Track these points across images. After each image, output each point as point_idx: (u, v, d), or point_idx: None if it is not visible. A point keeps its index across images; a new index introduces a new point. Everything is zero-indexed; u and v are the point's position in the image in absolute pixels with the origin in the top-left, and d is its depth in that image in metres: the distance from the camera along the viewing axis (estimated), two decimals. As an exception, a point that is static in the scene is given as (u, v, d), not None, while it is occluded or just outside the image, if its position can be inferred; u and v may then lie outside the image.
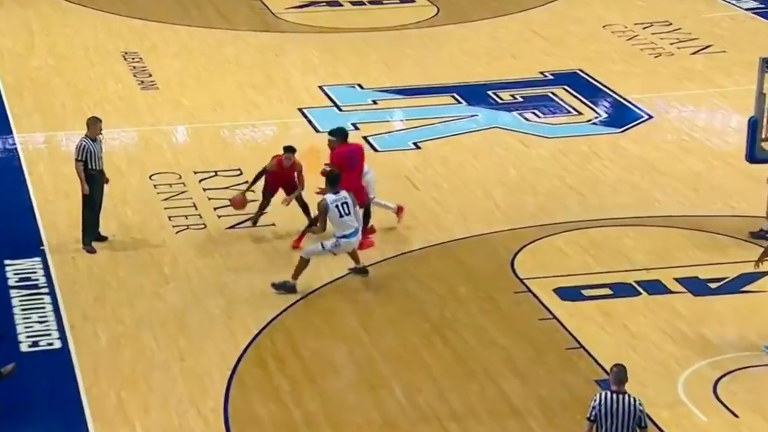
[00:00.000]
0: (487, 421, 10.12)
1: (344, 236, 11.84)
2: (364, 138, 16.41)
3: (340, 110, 17.45)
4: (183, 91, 18.06)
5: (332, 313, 11.92)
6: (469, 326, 11.59)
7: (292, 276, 11.96)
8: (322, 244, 11.94)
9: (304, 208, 13.19)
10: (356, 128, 16.72)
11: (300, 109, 17.40)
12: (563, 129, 16.58)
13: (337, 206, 11.79)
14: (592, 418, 8.42)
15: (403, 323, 11.60)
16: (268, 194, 13.42)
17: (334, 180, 11.93)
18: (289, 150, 13.32)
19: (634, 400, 8.40)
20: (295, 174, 13.21)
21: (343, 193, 11.86)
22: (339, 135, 13.00)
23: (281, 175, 13.30)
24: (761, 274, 11.14)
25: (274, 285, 11.92)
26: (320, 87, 18.21)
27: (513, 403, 10.35)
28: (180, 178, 15.14)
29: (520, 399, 10.40)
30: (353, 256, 12.23)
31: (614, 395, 8.41)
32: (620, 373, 8.47)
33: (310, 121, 17.05)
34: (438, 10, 21.39)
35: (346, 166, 12.54)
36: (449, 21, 20.81)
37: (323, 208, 11.81)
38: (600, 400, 8.40)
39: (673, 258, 12.65)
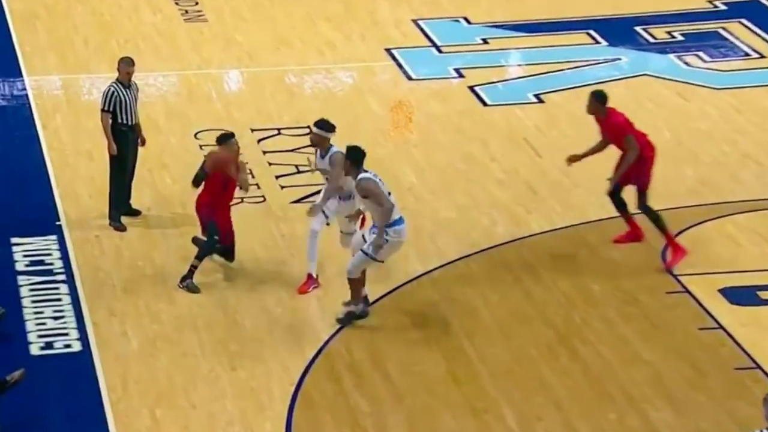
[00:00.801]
0: (626, 460, 10.11)
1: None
2: (470, 88, 16.41)
3: (440, 51, 17.48)
4: (237, 25, 18.25)
5: (425, 315, 11.97)
6: (605, 336, 11.55)
7: (352, 302, 11.71)
8: (364, 251, 11.51)
9: None
10: (461, 75, 16.73)
11: (388, 50, 17.45)
12: (739, 77, 16.38)
13: None
14: None
15: (517, 330, 11.60)
16: None
17: None
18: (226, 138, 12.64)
19: None
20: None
21: None
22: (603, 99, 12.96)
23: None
24: None
25: (339, 321, 11.77)
26: (414, 21, 18.23)
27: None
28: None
29: (672, 432, 10.35)
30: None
31: None
32: None
33: (400, 65, 17.10)
34: None
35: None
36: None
37: None
38: None
39: None
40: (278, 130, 14.84)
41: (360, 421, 10.59)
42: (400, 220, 11.52)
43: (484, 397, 10.81)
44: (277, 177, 14.21)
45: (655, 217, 12.54)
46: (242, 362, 11.31)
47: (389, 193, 11.49)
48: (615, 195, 12.73)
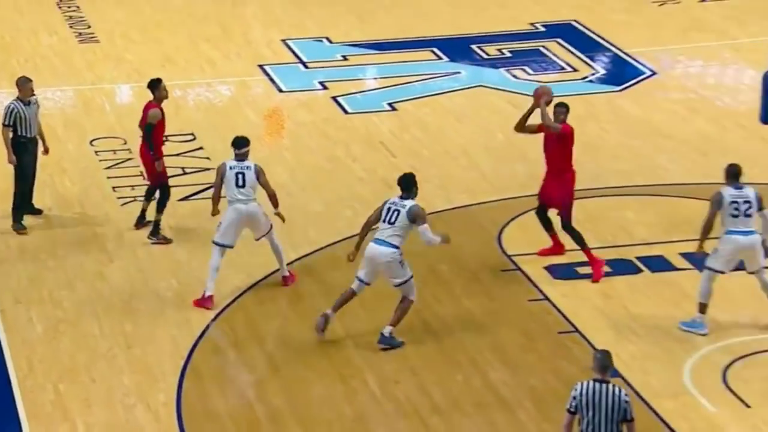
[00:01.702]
0: (472, 414, 10.16)
1: None
2: (333, 98, 16.35)
3: (306, 67, 17.37)
4: (127, 45, 17.89)
5: (299, 295, 11.89)
6: (452, 309, 11.61)
7: (389, 324, 10.93)
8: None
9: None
10: (325, 87, 16.65)
11: (261, 66, 17.30)
12: (556, 88, 16.39)
13: None
14: (572, 409, 8.42)
15: (378, 307, 11.58)
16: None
17: None
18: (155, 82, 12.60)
19: (619, 391, 8.38)
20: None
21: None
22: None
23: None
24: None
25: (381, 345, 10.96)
26: (283, 41, 18.10)
27: (501, 394, 10.38)
28: (125, 143, 15.03)
29: (509, 389, 10.43)
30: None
31: (597, 384, 8.37)
32: (603, 360, 8.41)
33: (272, 80, 16.96)
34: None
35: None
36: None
37: None
38: (581, 390, 8.39)
39: (679, 231, 12.70)
40: (166, 137, 14.56)
41: (242, 390, 10.48)
42: None
43: (350, 366, 10.78)
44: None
45: (576, 236, 11.97)
46: (137, 341, 11.10)
47: None
48: (542, 214, 12.22)
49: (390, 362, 10.78)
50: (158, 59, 17.31)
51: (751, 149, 14.33)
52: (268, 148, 15.07)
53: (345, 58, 17.64)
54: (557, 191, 12.03)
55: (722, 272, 10.99)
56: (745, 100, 15.46)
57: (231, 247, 11.67)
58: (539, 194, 12.22)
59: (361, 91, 16.79)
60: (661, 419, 9.87)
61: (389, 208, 10.93)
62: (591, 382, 8.39)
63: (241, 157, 11.66)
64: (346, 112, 16.02)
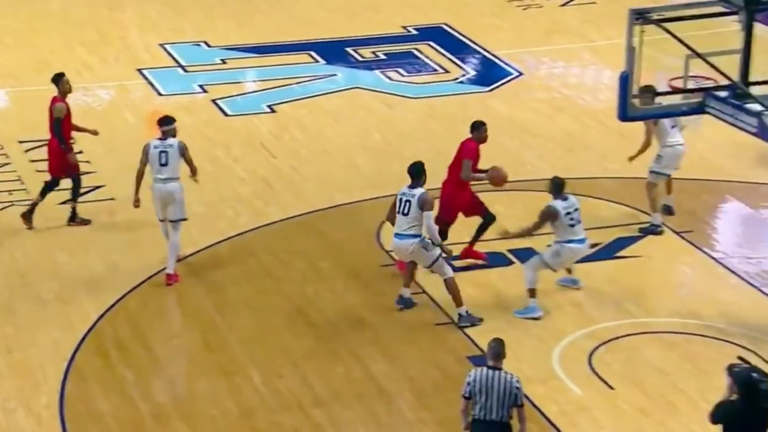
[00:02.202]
0: (354, 405, 10.14)
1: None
2: (213, 101, 16.16)
3: (185, 71, 17.13)
4: (0, 50, 17.36)
5: (182, 294, 11.72)
6: (333, 304, 11.57)
7: (458, 305, 11.05)
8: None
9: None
10: (204, 90, 16.44)
11: (139, 70, 16.98)
12: (429, 88, 16.69)
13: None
14: (466, 395, 8.53)
15: (260, 303, 11.49)
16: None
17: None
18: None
19: (511, 377, 8.53)
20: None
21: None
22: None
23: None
24: (635, 239, 11.49)
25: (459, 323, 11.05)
26: (161, 45, 17.81)
27: (382, 384, 10.39)
28: (2, 148, 14.60)
29: (389, 380, 10.45)
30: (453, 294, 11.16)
31: (489, 371, 8.53)
32: (496, 348, 8.60)
33: (151, 84, 16.67)
34: (291, -40, 21.33)
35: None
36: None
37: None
38: (475, 377, 8.52)
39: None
40: (43, 141, 14.19)
41: (126, 390, 10.27)
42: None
43: (233, 362, 10.66)
44: (45, 182, 13.59)
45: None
46: (18, 345, 10.77)
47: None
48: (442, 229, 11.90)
49: (273, 357, 10.69)
50: (33, 64, 16.85)
51: (611, 145, 14.64)
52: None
53: (224, 61, 17.44)
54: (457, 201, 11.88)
55: (554, 270, 11.23)
56: (604, 98, 15.78)
57: (162, 220, 11.74)
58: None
59: (240, 94, 16.62)
60: (533, 404, 10.01)
61: (401, 199, 11.09)
62: (485, 369, 8.54)
63: (165, 136, 11.53)
64: (225, 114, 15.84)
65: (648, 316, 11.09)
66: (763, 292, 11.30)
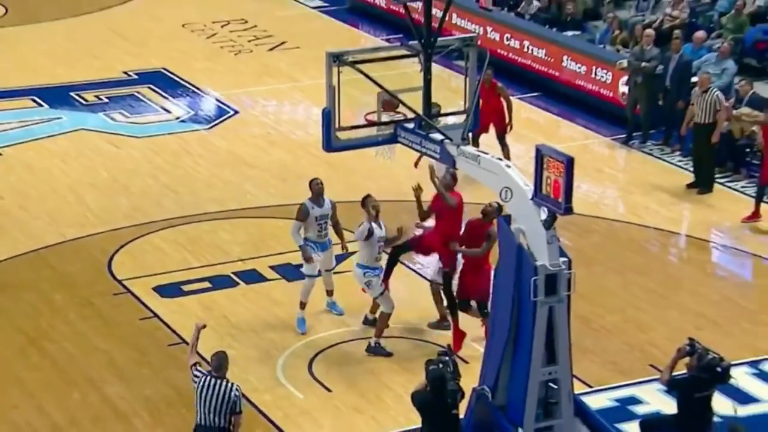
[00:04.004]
0: (90, 428, 9.77)
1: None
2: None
3: None
4: None
5: None
6: (67, 334, 11.12)
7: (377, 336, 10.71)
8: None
9: None
10: None
11: None
12: (153, 128, 16.42)
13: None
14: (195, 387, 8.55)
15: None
16: None
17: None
18: None
19: (231, 386, 8.56)
20: None
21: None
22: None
23: None
24: (348, 255, 11.73)
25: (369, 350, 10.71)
26: None
27: (118, 406, 10.07)
28: None
29: (125, 402, 10.14)
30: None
31: (213, 379, 8.57)
32: (218, 360, 8.69)
33: None
34: (6, 10, 20.45)
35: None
36: (20, 21, 20.09)
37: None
38: (201, 382, 8.54)
39: (267, 247, 12.97)
40: None
41: None
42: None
43: (-31, 397, 10.02)
44: None
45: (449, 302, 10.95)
46: None
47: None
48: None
49: (6, 390, 10.11)
50: None
51: (321, 173, 14.90)
52: None
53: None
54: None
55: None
56: (313, 132, 16.03)
57: None
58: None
59: (-35, 139, 15.71)
60: (261, 411, 10.02)
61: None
62: (209, 377, 8.53)
63: None
64: (-52, 159, 14.92)
65: (360, 324, 11.36)
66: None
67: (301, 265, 11.37)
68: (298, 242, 11.17)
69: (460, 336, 10.92)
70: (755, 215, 13.77)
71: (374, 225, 10.87)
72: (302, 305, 11.28)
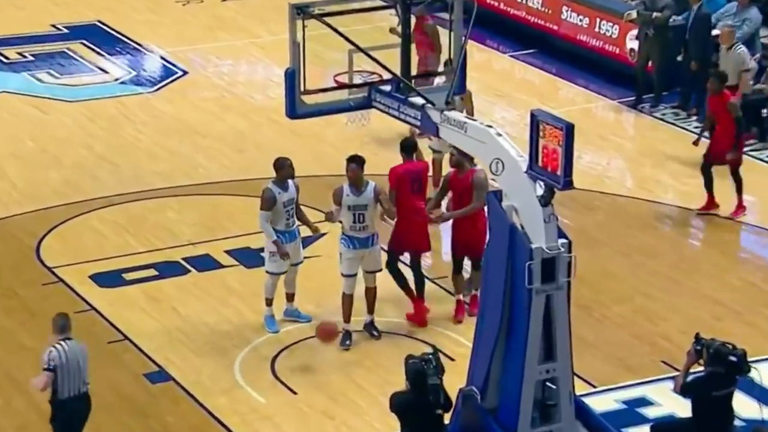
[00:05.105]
0: (16, 437, 9.84)
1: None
2: None
3: None
4: None
5: None
6: (-13, 331, 11.17)
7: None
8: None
9: None
10: None
11: None
12: (87, 90, 16.40)
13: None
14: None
15: None
16: None
17: None
18: None
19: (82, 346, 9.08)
20: None
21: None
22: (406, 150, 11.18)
23: None
24: (314, 238, 11.79)
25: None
26: None
27: (47, 413, 10.04)
28: None
29: (59, 407, 10.18)
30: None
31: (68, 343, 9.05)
32: (60, 320, 9.23)
33: None
34: None
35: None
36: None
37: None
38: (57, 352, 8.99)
39: (222, 229, 13.02)
40: None
41: None
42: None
43: None
44: None
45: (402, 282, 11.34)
46: None
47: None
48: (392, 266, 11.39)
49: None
50: None
51: (284, 143, 14.96)
52: None
53: None
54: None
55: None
56: (274, 95, 16.06)
57: None
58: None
59: None
60: (213, 416, 10.09)
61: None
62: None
63: None
64: None
65: (330, 317, 11.42)
66: (438, 285, 11.89)
67: (262, 249, 11.36)
68: (271, 236, 10.97)
69: (421, 310, 11.24)
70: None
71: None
72: (269, 302, 11.30)
